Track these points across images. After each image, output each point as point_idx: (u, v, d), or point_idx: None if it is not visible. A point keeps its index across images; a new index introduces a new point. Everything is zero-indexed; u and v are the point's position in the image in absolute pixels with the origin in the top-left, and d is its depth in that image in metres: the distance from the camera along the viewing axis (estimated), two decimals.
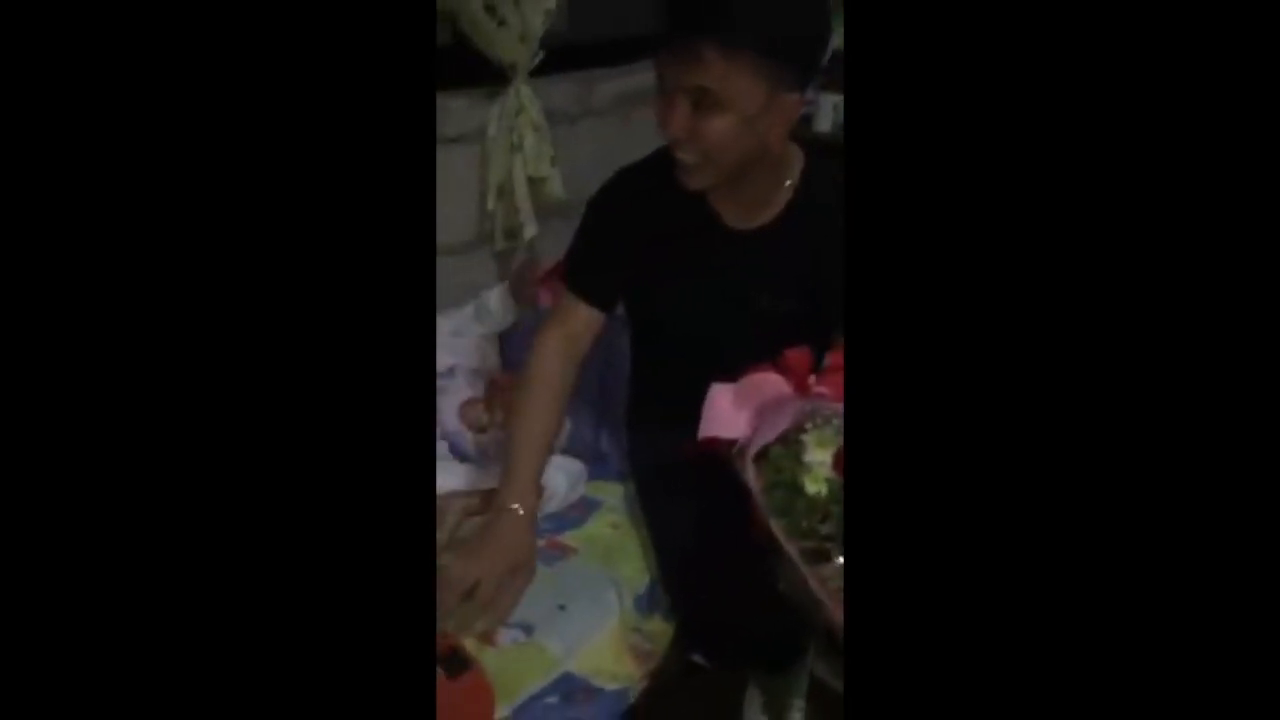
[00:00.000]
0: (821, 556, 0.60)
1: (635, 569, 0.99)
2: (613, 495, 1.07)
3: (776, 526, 0.62)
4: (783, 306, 0.90)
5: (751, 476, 0.64)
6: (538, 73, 1.36)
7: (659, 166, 0.91)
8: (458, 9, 1.19)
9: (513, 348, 1.18)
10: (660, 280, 0.93)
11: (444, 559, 0.85)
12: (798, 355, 0.67)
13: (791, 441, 0.62)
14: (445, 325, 1.23)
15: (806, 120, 1.91)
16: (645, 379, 1.08)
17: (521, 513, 0.87)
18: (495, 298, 1.27)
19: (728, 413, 0.68)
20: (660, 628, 0.96)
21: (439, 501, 0.95)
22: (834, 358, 0.69)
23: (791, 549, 0.61)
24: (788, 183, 0.90)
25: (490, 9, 1.20)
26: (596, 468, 1.10)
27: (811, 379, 0.66)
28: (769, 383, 0.66)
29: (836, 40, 2.03)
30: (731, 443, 0.68)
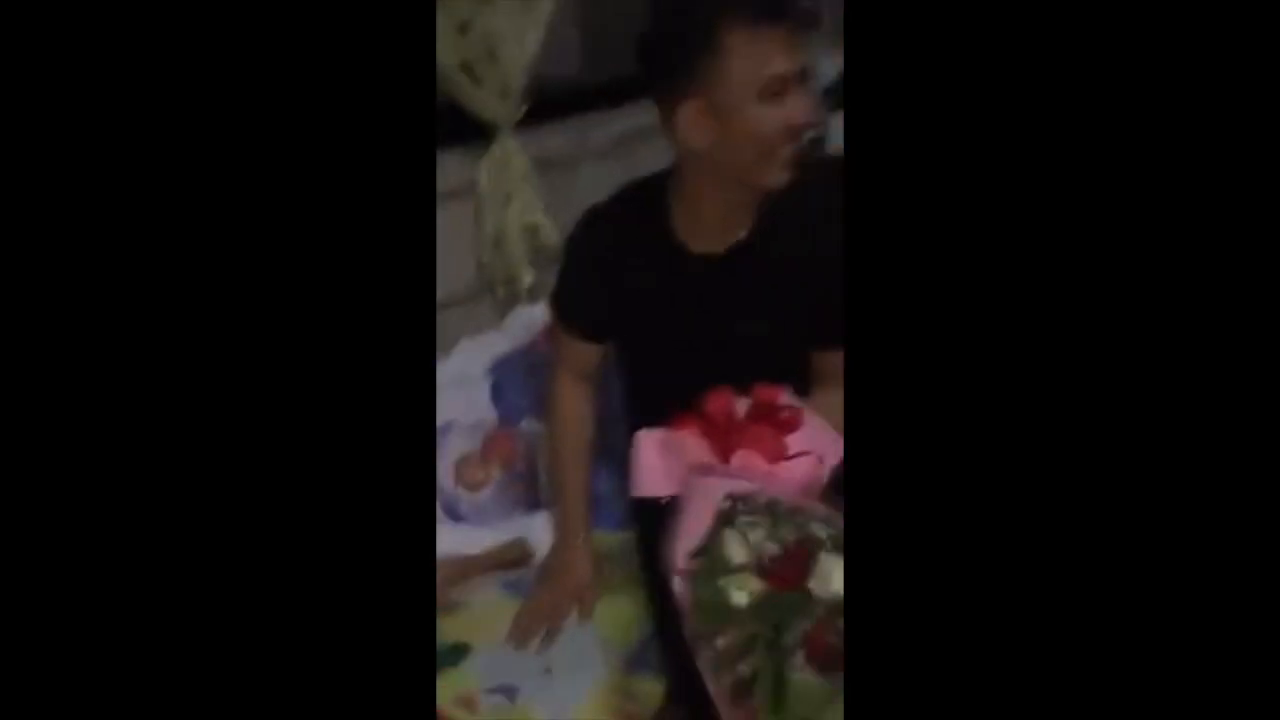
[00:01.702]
0: (741, 694, 0.57)
1: (625, 627, 0.97)
2: (608, 546, 1.05)
3: (701, 656, 0.60)
4: (756, 330, 0.89)
5: (678, 593, 0.62)
6: (533, 120, 1.38)
7: (625, 201, 0.93)
8: (439, 69, 1.22)
9: (504, 399, 1.18)
10: (639, 313, 0.93)
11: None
12: (718, 402, 0.64)
13: (711, 549, 0.60)
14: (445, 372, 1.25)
15: (818, 142, 1.87)
16: (638, 414, 1.07)
17: (582, 546, 0.97)
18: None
19: (656, 468, 0.65)
20: (650, 688, 0.93)
21: (455, 566, 0.96)
22: (760, 393, 0.66)
23: (711, 685, 0.59)
24: (746, 202, 0.88)
25: (466, 68, 1.23)
26: (596, 514, 1.08)
27: (735, 439, 0.63)
28: (690, 446, 0.63)
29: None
30: (663, 501, 0.66)
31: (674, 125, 0.79)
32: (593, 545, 0.99)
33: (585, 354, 0.97)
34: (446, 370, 1.23)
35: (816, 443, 0.66)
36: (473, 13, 1.20)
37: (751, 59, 0.75)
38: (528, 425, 1.16)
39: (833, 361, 0.91)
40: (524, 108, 1.34)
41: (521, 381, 1.19)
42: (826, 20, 1.54)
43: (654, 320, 0.92)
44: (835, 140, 1.83)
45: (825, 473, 0.66)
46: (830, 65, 1.91)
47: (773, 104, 0.77)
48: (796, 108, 0.78)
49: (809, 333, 0.89)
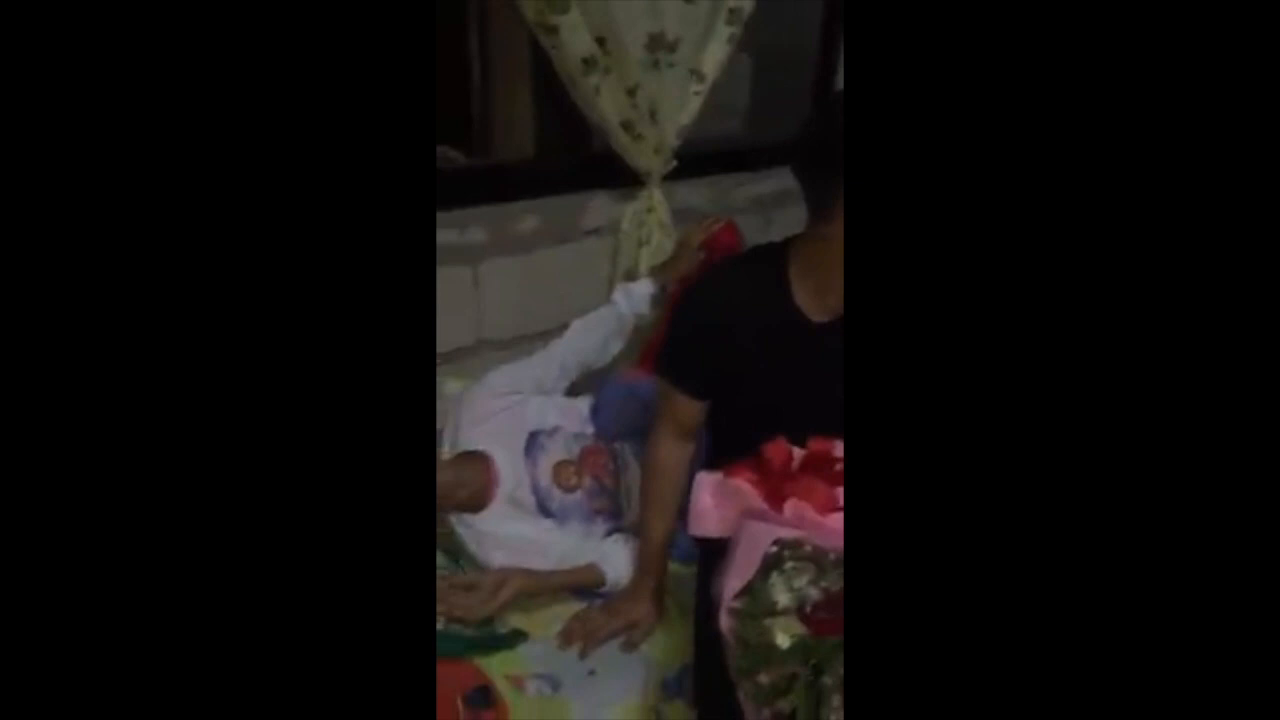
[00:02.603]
0: None
1: (671, 652, 1.03)
2: (675, 577, 1.12)
3: (743, 690, 0.64)
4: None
5: (725, 629, 0.66)
6: (681, 174, 1.50)
7: (746, 265, 1.00)
8: (604, 124, 1.37)
9: (601, 416, 1.28)
10: (746, 373, 0.98)
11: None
12: (776, 450, 0.69)
13: (757, 590, 0.64)
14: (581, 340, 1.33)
15: None
16: (722, 461, 1.13)
17: (650, 590, 1.06)
18: (640, 288, 1.37)
19: (711, 511, 0.71)
20: (681, 714, 0.98)
21: (532, 582, 1.06)
22: (815, 446, 0.70)
23: (751, 718, 0.62)
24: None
25: (627, 125, 1.37)
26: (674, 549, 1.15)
27: (789, 488, 0.68)
28: (743, 493, 0.69)
29: None
30: (721, 542, 0.71)
31: (830, 211, 0.84)
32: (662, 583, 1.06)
33: (688, 410, 1.02)
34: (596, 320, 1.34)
35: None
36: (642, 78, 1.34)
37: None
38: (619, 446, 1.25)
39: None
40: (673, 163, 1.47)
41: (619, 406, 1.28)
42: None
43: (759, 381, 0.97)
44: None
45: None
46: None
47: None
48: None
49: None
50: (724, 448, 1.11)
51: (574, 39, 1.23)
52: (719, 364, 0.99)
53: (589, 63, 1.27)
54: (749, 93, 1.92)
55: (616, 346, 1.35)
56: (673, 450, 1.05)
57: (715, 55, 1.40)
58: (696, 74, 1.40)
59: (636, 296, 1.35)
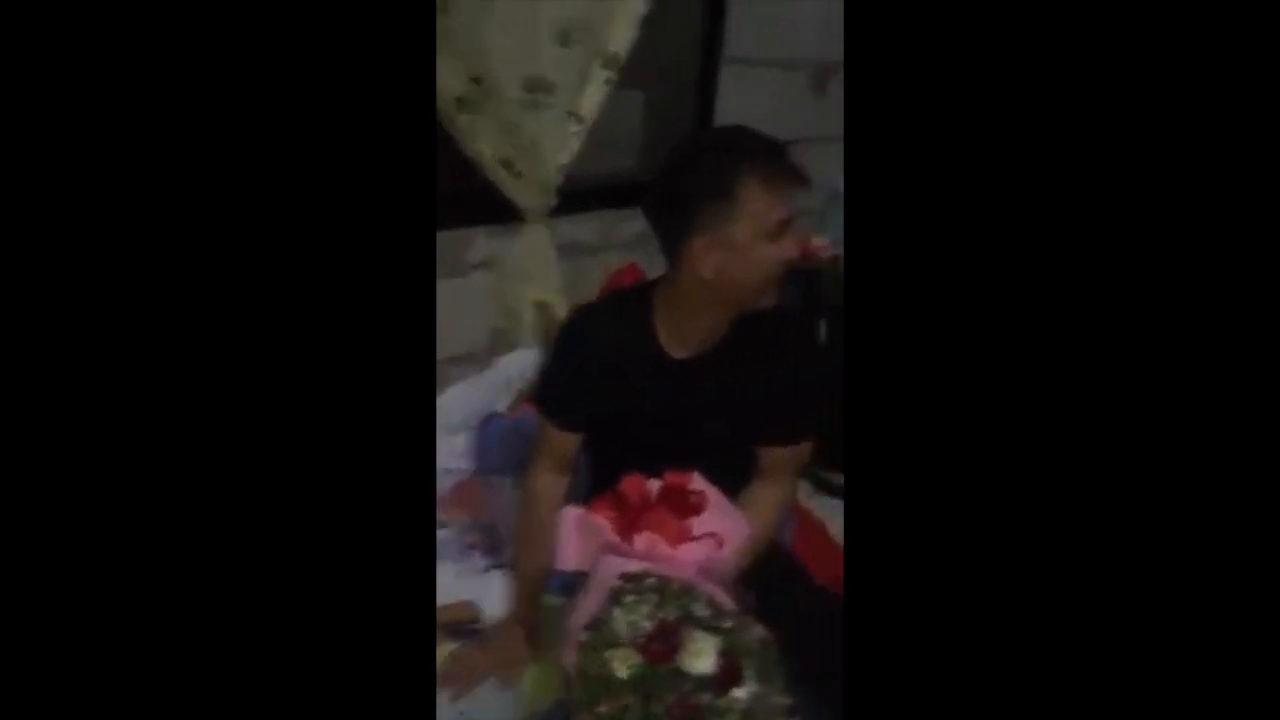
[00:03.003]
0: None
1: (544, 687, 1.02)
2: (553, 610, 1.12)
3: None
4: (716, 430, 0.99)
5: (569, 663, 0.68)
6: (565, 210, 1.54)
7: (613, 306, 1.05)
8: (482, 161, 1.39)
9: (484, 450, 1.28)
10: (615, 409, 1.02)
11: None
12: (631, 485, 0.72)
13: (603, 623, 0.66)
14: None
15: (836, 260, 1.99)
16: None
17: (522, 627, 1.04)
18: (518, 358, 1.38)
19: (573, 546, 0.73)
20: None
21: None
22: (670, 478, 0.73)
23: None
24: (727, 319, 0.99)
25: (507, 163, 1.39)
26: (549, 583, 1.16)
27: (642, 521, 0.71)
28: (601, 528, 0.71)
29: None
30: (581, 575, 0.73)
31: (682, 255, 0.91)
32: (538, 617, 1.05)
33: (563, 443, 1.05)
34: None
35: (721, 525, 0.74)
36: (519, 117, 1.37)
37: (762, 206, 0.88)
38: (497, 481, 1.25)
39: (776, 456, 1.01)
40: (556, 200, 1.50)
41: (502, 440, 1.29)
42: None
43: (627, 416, 1.01)
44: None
45: (726, 553, 0.73)
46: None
47: (774, 243, 0.90)
48: (792, 245, 0.92)
49: (761, 431, 0.99)
50: (601, 481, 1.14)
51: (447, 78, 1.25)
52: (591, 399, 1.02)
53: (462, 101, 1.28)
54: (640, 128, 1.99)
55: (501, 406, 1.36)
56: (548, 482, 1.06)
57: (592, 98, 1.45)
58: (574, 115, 1.44)
59: (515, 366, 1.37)
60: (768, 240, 0.89)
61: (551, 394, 1.06)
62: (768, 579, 0.90)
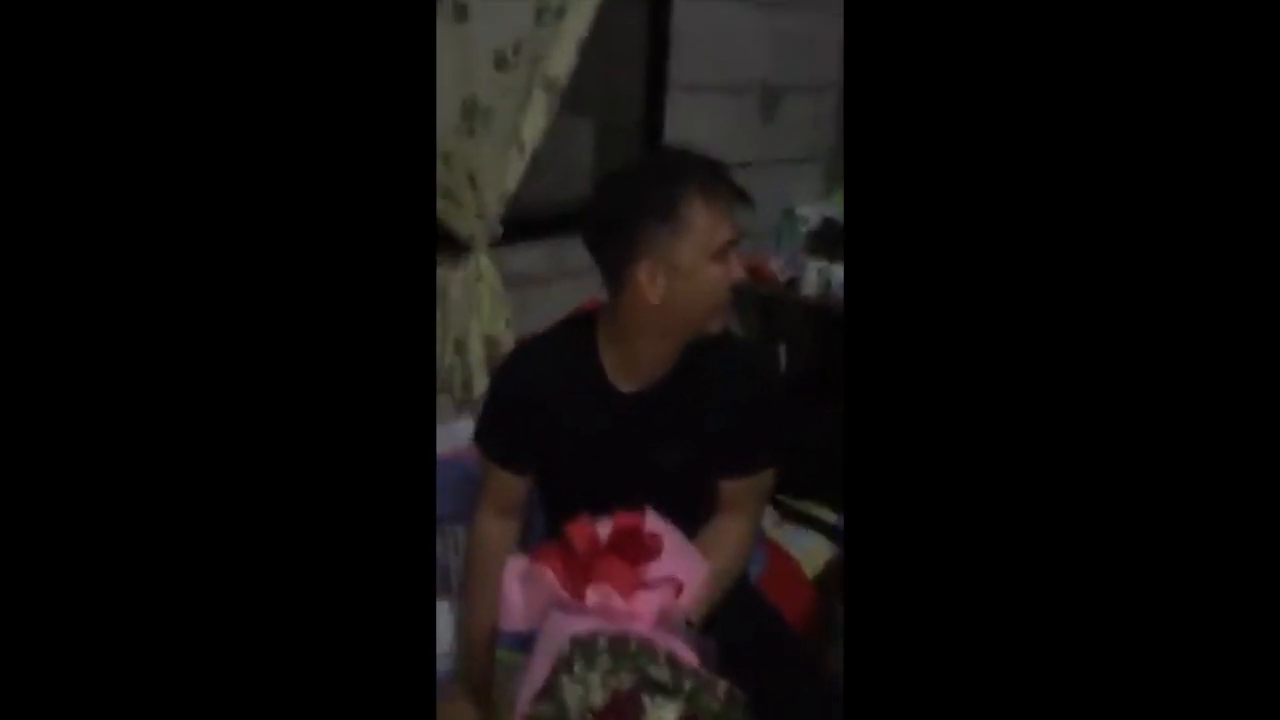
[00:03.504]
0: None
1: None
2: (506, 665, 1.04)
3: None
4: (670, 462, 0.93)
5: None
6: (510, 239, 1.48)
7: (555, 340, 0.98)
8: None
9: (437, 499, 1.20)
10: (563, 447, 0.97)
11: None
12: (578, 532, 0.66)
13: (553, 693, 0.61)
14: None
15: (792, 283, 1.97)
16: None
17: (475, 680, 0.98)
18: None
19: (519, 605, 0.67)
20: None
21: None
22: (620, 521, 0.68)
23: None
24: (675, 347, 0.94)
25: (445, 192, 1.34)
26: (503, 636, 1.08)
27: (592, 571, 0.65)
28: (547, 582, 0.65)
29: (831, 209, 2.13)
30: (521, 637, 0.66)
31: (625, 281, 0.87)
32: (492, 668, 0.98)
33: (508, 486, 0.99)
34: None
35: (678, 568, 0.68)
36: (456, 146, 1.32)
37: (706, 228, 0.85)
38: (452, 530, 1.17)
39: (736, 489, 0.95)
40: (500, 230, 1.44)
41: (454, 488, 1.21)
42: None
43: (576, 453, 0.96)
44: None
45: (685, 599, 0.67)
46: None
47: (720, 264, 0.86)
48: (738, 266, 0.88)
49: (717, 463, 0.93)
50: (555, 525, 1.07)
51: None
52: (537, 438, 0.96)
53: None
54: (590, 156, 1.96)
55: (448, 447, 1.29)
56: (493, 529, 1.00)
57: (535, 124, 1.41)
58: (516, 142, 1.40)
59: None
60: (714, 262, 0.86)
61: (493, 433, 1.00)
62: (733, 624, 0.84)
